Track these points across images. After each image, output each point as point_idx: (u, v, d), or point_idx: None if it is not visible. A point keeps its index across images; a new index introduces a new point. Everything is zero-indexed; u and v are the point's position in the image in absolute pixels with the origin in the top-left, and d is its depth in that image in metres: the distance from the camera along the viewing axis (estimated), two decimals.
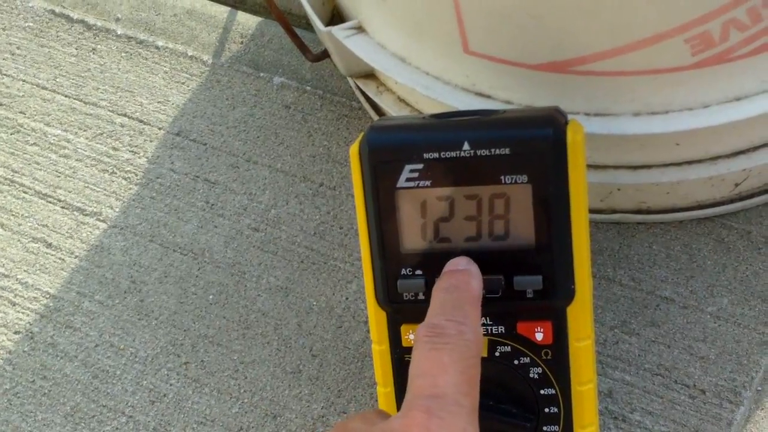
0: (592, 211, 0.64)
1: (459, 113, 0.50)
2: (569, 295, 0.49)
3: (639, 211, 0.64)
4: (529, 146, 0.47)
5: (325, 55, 0.68)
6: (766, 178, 0.63)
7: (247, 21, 0.83)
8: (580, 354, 0.50)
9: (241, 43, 0.81)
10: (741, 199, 0.64)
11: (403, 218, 0.49)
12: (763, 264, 0.63)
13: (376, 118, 0.71)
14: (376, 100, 0.67)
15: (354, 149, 0.49)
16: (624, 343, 0.62)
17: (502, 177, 0.47)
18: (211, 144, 0.76)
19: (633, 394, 0.60)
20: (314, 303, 0.67)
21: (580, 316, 0.49)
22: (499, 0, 0.50)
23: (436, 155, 0.48)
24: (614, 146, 0.58)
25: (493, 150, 0.47)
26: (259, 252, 0.70)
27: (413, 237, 0.49)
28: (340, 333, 0.66)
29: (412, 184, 0.49)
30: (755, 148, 0.60)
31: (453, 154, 0.47)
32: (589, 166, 0.61)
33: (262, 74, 0.79)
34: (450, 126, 0.48)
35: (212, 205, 0.73)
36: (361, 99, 0.73)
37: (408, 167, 0.48)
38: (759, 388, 0.59)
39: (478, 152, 0.47)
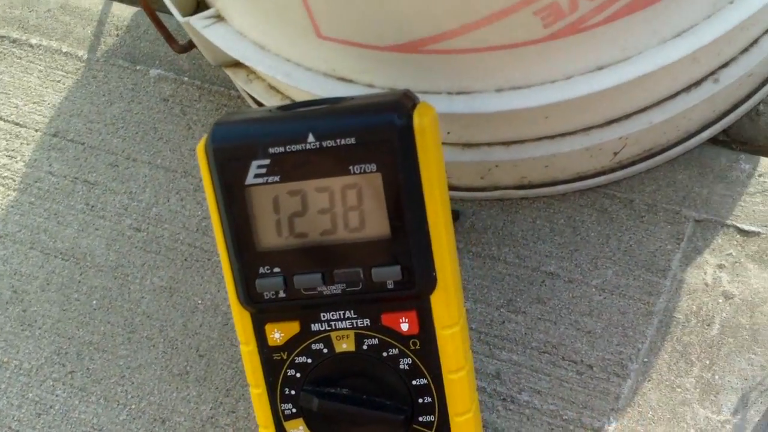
0: (474, 189, 0.63)
1: (306, 103, 0.48)
2: (431, 283, 0.47)
3: (521, 186, 0.63)
4: (374, 134, 0.45)
5: (192, 45, 0.65)
6: (645, 144, 0.62)
7: (122, 12, 0.80)
8: (448, 342, 0.48)
9: (117, 35, 0.79)
10: (622, 167, 0.63)
11: (256, 216, 0.48)
12: (646, 232, 0.62)
13: (254, 106, 0.69)
14: (247, 88, 0.65)
15: (200, 148, 0.48)
16: (510, 322, 0.61)
17: (351, 167, 0.46)
18: (89, 143, 0.74)
19: (521, 374, 0.59)
20: (199, 301, 0.66)
21: (445, 303, 0.48)
22: None
23: (281, 149, 0.46)
24: (483, 123, 0.57)
25: (338, 140, 0.45)
26: (142, 252, 0.68)
27: (268, 234, 0.48)
28: (226, 330, 0.64)
29: (260, 180, 0.47)
30: (628, 116, 0.59)
31: (299, 146, 0.46)
32: (463, 145, 0.60)
33: (138, 67, 0.77)
34: (294, 118, 0.47)
35: (92, 206, 0.71)
36: (239, 87, 0.71)
37: (255, 163, 0.47)
38: (645, 360, 0.58)
39: (324, 143, 0.46)
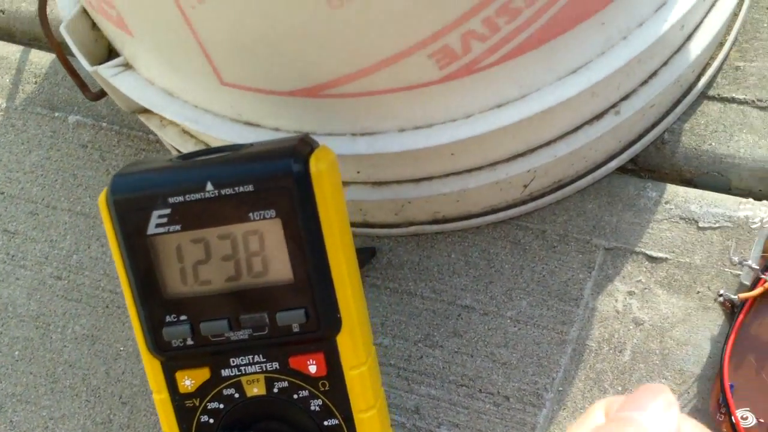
0: (389, 225, 0.63)
1: (206, 152, 0.49)
2: (336, 325, 0.48)
3: (435, 221, 0.64)
4: (271, 180, 0.46)
5: (104, 93, 0.66)
6: (554, 176, 0.63)
7: (41, 60, 0.80)
8: (356, 382, 0.49)
9: (35, 83, 0.79)
10: (533, 199, 0.64)
11: (160, 264, 0.48)
12: (558, 262, 0.63)
13: (173, 150, 0.70)
14: (160, 134, 0.65)
15: (102, 199, 0.48)
16: (428, 357, 0.61)
17: (251, 214, 0.46)
18: (8, 193, 0.74)
19: (439, 408, 0.60)
20: (121, 348, 0.66)
21: (351, 344, 0.48)
22: (236, 33, 0.49)
23: (181, 199, 0.46)
24: (390, 163, 0.58)
25: (236, 188, 0.46)
26: (63, 301, 0.68)
27: (173, 283, 0.48)
28: None
29: (162, 229, 0.47)
30: (533, 150, 0.60)
31: (198, 195, 0.46)
32: (373, 183, 0.60)
33: (57, 114, 0.77)
34: (193, 167, 0.47)
35: (12, 256, 0.71)
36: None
37: (156, 213, 0.47)
38: (560, 389, 0.59)
39: (222, 191, 0.46)
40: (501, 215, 0.64)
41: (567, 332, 0.61)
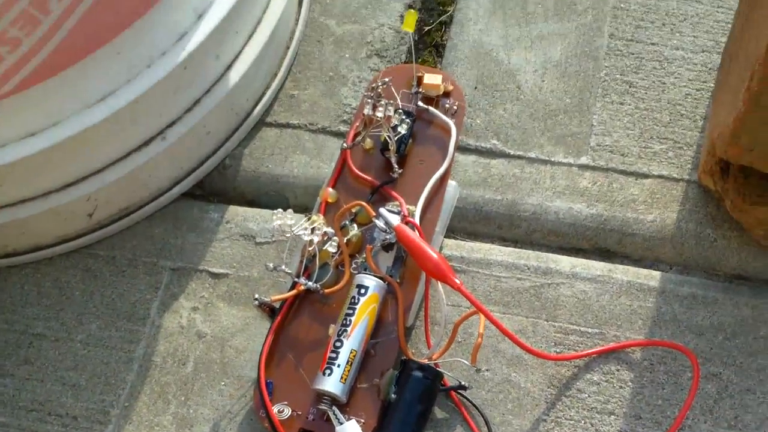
0: None
1: None
2: None
3: (6, 255, 0.66)
4: None
5: None
6: (119, 204, 0.66)
7: None
8: None
9: None
10: (101, 227, 0.67)
11: None
12: (127, 285, 0.66)
13: None
14: None
15: None
16: None
17: None
18: None
19: None
20: None
21: None
22: None
23: None
24: None
25: None
26: None
27: None
28: None
29: None
30: (84, 178, 0.63)
31: None
32: None
33: None
34: None
35: None
36: None
37: None
38: (126, 404, 0.62)
39: None
40: (72, 244, 0.67)
41: (134, 350, 0.64)
